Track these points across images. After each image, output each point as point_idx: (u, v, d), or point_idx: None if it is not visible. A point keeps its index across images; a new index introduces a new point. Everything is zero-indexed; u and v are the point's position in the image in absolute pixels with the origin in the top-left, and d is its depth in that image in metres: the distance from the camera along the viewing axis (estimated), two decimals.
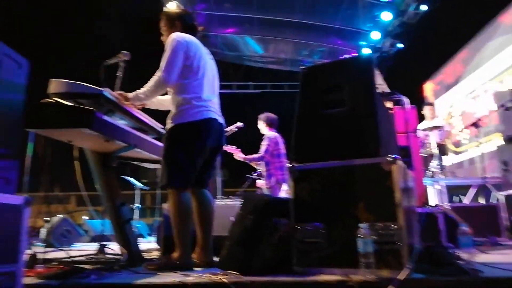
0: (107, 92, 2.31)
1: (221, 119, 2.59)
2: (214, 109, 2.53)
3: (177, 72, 2.39)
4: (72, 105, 2.15)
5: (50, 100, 2.16)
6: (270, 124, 4.81)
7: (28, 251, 2.25)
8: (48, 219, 4.92)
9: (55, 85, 2.23)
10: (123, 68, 2.80)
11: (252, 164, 5.09)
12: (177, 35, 2.45)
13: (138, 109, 2.63)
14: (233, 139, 4.97)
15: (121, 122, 2.56)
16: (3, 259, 1.48)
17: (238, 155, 4.84)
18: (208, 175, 2.60)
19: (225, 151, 5.11)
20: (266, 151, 4.59)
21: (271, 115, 4.90)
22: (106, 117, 2.28)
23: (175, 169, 2.35)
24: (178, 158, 2.35)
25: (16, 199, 1.53)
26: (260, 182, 6.33)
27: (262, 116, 4.90)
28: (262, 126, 4.87)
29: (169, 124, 2.43)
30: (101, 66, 2.68)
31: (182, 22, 2.61)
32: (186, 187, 2.39)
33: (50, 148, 2.29)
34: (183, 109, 2.39)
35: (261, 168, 4.93)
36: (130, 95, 2.44)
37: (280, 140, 4.68)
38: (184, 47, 2.42)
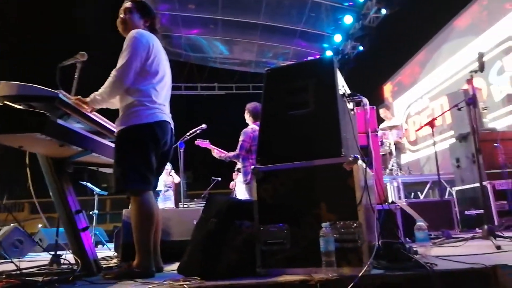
0: (62, 94, 2.20)
1: (172, 124, 2.54)
2: (167, 113, 2.49)
3: (134, 73, 2.30)
4: (21, 109, 2.03)
5: None
6: (255, 116, 4.44)
7: None
8: None
9: (4, 87, 2.10)
10: (80, 69, 2.69)
11: (235, 160, 4.94)
12: (138, 33, 2.35)
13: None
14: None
15: (77, 126, 2.46)
16: None
17: (215, 152, 4.63)
18: (157, 179, 2.53)
19: (199, 147, 4.84)
20: (242, 147, 4.33)
21: (259, 106, 4.43)
22: (60, 121, 2.17)
23: (132, 172, 2.26)
24: (134, 160, 2.27)
25: None
26: (232, 183, 6.27)
27: (250, 106, 4.56)
28: (247, 117, 4.57)
29: (120, 126, 2.33)
30: (57, 67, 2.55)
31: (147, 16, 2.52)
32: (147, 189, 2.32)
33: None
34: (136, 110, 2.31)
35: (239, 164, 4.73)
36: (88, 99, 2.35)
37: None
38: (145, 48, 2.34)
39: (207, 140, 4.79)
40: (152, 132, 2.31)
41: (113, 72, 2.29)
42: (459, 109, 4.25)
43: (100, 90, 2.34)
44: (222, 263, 1.91)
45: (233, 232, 2.02)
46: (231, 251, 1.97)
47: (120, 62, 2.29)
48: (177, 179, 7.01)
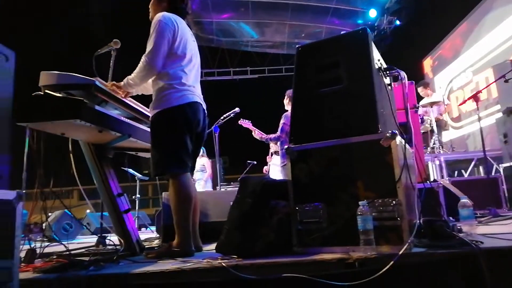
0: (98, 81, 2.28)
1: (204, 105, 2.55)
2: (198, 94, 2.49)
3: (163, 56, 2.33)
4: (61, 97, 2.12)
5: (40, 93, 2.13)
6: None
7: (27, 246, 2.23)
8: (50, 214, 4.94)
9: (45, 77, 2.20)
10: (115, 57, 2.75)
11: (272, 143, 4.97)
12: (163, 16, 2.36)
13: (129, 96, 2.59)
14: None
15: (114, 112, 2.54)
16: None
17: (255, 133, 4.70)
18: (194, 161, 2.56)
19: (242, 126, 4.86)
20: (282, 130, 4.42)
21: None
22: (98, 107, 2.25)
23: (169, 155, 2.31)
24: (169, 143, 2.31)
25: (8, 194, 1.50)
26: (266, 168, 6.29)
27: (290, 91, 4.50)
28: (286, 102, 4.62)
29: (153, 111, 2.38)
30: (93, 56, 2.63)
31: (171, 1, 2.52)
32: (184, 172, 2.37)
33: (43, 142, 2.26)
34: (166, 93, 2.34)
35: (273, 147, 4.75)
36: (121, 83, 2.41)
37: None
38: (171, 31, 2.35)
39: (250, 121, 4.79)
40: (183, 114, 2.34)
41: (143, 58, 2.33)
42: (506, 81, 3.97)
43: (132, 75, 2.39)
44: (258, 242, 1.93)
45: (268, 212, 2.02)
46: (267, 230, 1.97)
47: (149, 47, 2.32)
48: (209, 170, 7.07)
